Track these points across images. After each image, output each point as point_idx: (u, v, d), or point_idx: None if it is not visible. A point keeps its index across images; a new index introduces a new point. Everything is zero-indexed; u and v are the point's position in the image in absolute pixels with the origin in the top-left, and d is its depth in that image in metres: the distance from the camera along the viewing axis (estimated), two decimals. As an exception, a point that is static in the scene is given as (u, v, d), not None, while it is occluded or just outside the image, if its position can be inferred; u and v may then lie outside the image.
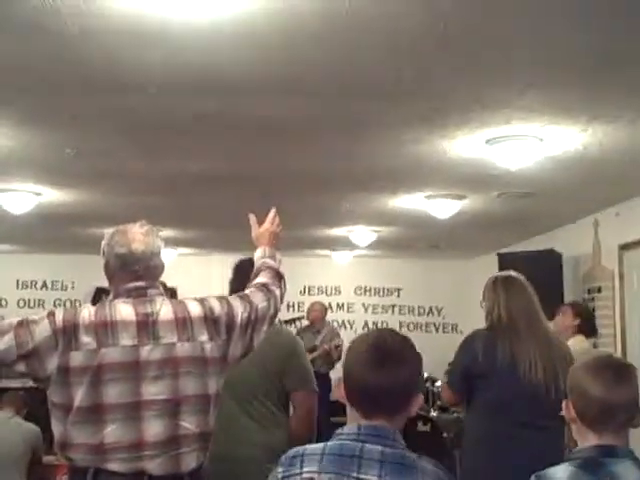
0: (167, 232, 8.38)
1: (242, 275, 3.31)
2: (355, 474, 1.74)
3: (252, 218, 2.92)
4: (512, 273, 3.50)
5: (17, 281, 11.07)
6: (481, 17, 2.98)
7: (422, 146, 4.86)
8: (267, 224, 2.90)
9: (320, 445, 1.82)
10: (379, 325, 11.60)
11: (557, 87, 3.80)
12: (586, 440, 1.98)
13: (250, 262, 3.45)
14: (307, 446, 1.84)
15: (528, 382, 3.17)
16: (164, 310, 2.42)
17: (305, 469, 1.78)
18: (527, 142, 4.65)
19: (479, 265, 10.27)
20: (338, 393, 1.87)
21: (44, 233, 8.96)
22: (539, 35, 3.16)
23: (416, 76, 3.60)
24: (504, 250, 8.40)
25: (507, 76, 3.64)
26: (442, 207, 6.63)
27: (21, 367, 2.33)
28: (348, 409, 1.86)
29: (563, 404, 2.08)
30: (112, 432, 2.28)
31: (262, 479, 3.26)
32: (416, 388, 1.86)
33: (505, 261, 7.84)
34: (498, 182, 5.81)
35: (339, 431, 1.84)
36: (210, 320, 2.46)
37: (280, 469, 1.83)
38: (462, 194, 6.40)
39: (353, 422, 1.84)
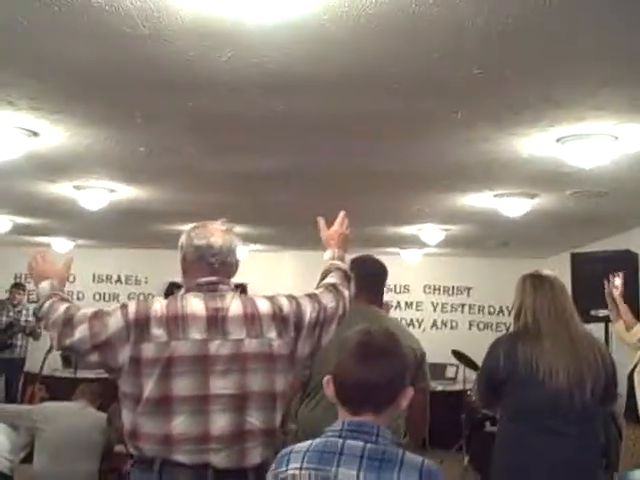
0: (238, 229, 8.44)
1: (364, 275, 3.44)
2: (334, 469, 1.77)
3: (321, 221, 2.91)
4: (544, 272, 3.38)
5: (93, 275, 11.38)
6: (551, 13, 2.92)
7: (492, 144, 4.79)
8: (336, 226, 2.89)
9: (307, 443, 1.88)
10: (448, 324, 11.52)
11: (631, 84, 3.70)
12: None
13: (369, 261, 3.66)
14: (297, 444, 1.90)
15: (549, 387, 3.07)
16: (234, 306, 2.45)
17: (290, 466, 1.84)
18: (600, 140, 4.54)
19: (552, 265, 10.00)
20: (328, 392, 1.90)
21: (118, 229, 9.19)
22: (613, 30, 3.08)
23: (487, 73, 3.55)
24: (578, 250, 8.23)
25: (580, 73, 3.56)
26: (512, 206, 6.53)
27: (94, 357, 2.41)
28: (338, 407, 1.89)
29: None
30: (179, 424, 2.33)
31: None
32: (403, 382, 1.87)
33: (579, 261, 7.65)
34: (571, 181, 5.70)
35: (327, 428, 1.88)
36: (279, 318, 2.48)
37: (272, 466, 1.91)
38: (533, 192, 6.29)
39: (341, 419, 1.87)
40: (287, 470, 1.84)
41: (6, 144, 4.70)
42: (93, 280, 11.38)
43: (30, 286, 10.92)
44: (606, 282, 4.84)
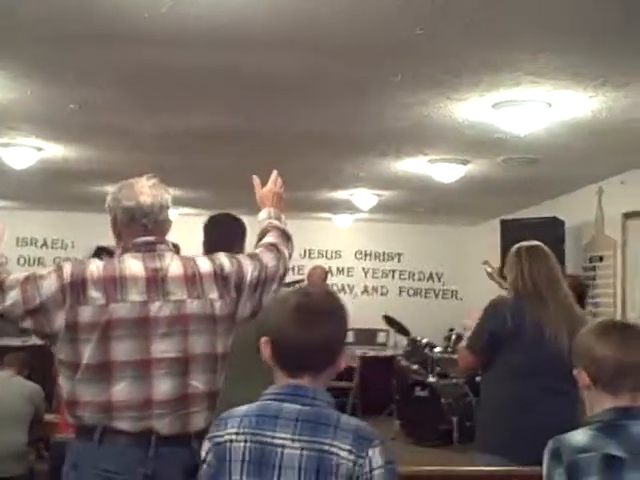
0: (170, 192, 8.32)
1: (214, 233, 3.34)
2: (270, 434, 1.75)
3: (256, 180, 2.87)
4: (535, 242, 3.54)
5: (17, 238, 11.01)
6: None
7: (428, 109, 4.81)
8: (270, 185, 2.85)
9: (245, 407, 1.84)
10: (379, 290, 11.63)
11: (568, 52, 3.75)
12: (602, 404, 1.96)
13: (221, 219, 3.44)
14: (236, 408, 1.86)
15: (553, 347, 3.21)
16: (174, 266, 2.37)
17: (227, 430, 1.81)
18: (535, 107, 4.60)
19: (481, 231, 10.26)
20: (265, 354, 1.86)
21: (45, 190, 8.93)
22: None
23: (426, 36, 3.53)
24: (507, 217, 8.38)
25: (520, 39, 3.59)
26: (445, 171, 6.59)
27: (28, 323, 2.29)
28: (276, 370, 1.86)
29: (575, 373, 2.06)
30: (120, 390, 2.25)
31: None
32: (342, 343, 1.85)
33: (508, 228, 7.83)
34: (504, 147, 5.77)
35: (264, 391, 1.85)
36: (220, 278, 2.41)
37: (210, 430, 1.88)
38: (466, 159, 6.36)
39: (279, 382, 1.84)
40: (224, 435, 1.80)
41: None
42: (17, 244, 11.01)
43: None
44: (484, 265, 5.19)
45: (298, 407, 1.77)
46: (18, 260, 10.92)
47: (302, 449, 1.72)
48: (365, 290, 11.64)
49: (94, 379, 2.26)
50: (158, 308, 2.30)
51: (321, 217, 10.72)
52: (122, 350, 2.25)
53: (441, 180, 6.74)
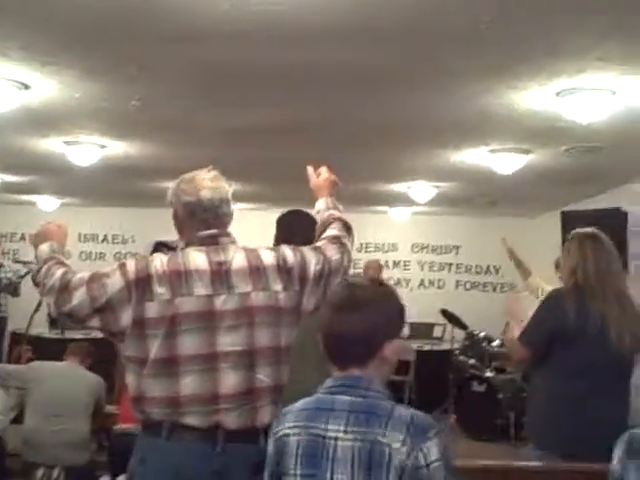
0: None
1: (286, 228, 3.32)
2: (323, 426, 1.78)
3: (310, 169, 2.86)
4: (596, 231, 3.34)
5: (79, 234, 11.24)
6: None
7: (490, 98, 4.75)
8: (324, 173, 2.82)
9: (301, 401, 1.89)
10: (436, 284, 11.55)
11: (634, 37, 3.66)
12: None
13: (294, 215, 3.43)
14: (296, 403, 1.91)
15: (616, 348, 3.06)
16: (237, 258, 2.36)
17: (285, 425, 1.87)
18: (599, 94, 4.52)
19: (541, 223, 10.09)
20: (321, 346, 1.90)
21: (107, 186, 9.09)
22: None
23: (490, 23, 3.49)
24: (568, 208, 8.23)
25: (584, 24, 3.52)
26: (506, 162, 6.50)
27: (95, 322, 2.31)
28: (328, 362, 1.90)
29: None
30: (188, 384, 2.25)
31: None
32: (384, 335, 1.84)
33: (569, 220, 7.64)
34: (567, 136, 5.67)
35: (320, 385, 1.88)
36: (283, 270, 2.39)
37: (273, 425, 1.97)
38: (528, 148, 6.27)
39: (332, 375, 1.88)
40: (283, 429, 1.86)
41: (-4, 97, 4.61)
42: (79, 239, 11.24)
43: (11, 245, 10.78)
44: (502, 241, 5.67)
45: (350, 399, 1.79)
46: (80, 255, 11.15)
47: (355, 440, 1.73)
48: (422, 284, 11.57)
49: (161, 374, 2.26)
50: (223, 301, 2.30)
51: (377, 210, 10.69)
52: (189, 344, 2.26)
53: (501, 171, 6.66)
